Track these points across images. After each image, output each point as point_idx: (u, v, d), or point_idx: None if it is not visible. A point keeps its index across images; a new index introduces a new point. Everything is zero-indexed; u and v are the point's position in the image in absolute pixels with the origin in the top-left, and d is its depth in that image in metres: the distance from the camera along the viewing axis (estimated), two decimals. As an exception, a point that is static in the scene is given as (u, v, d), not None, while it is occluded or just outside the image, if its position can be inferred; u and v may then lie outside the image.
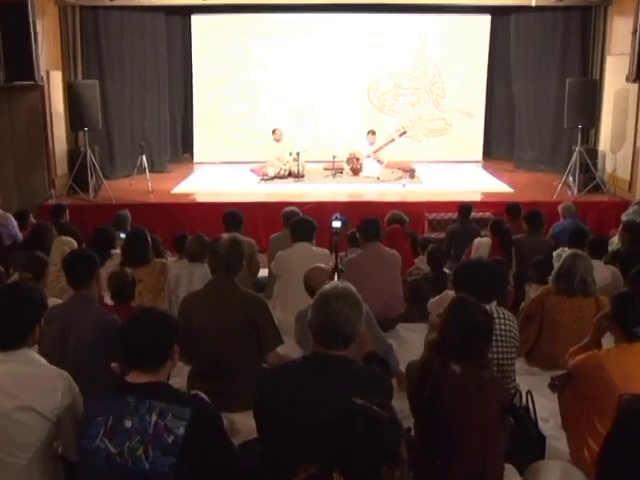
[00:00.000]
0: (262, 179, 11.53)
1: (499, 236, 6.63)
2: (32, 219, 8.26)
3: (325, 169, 12.03)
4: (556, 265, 4.82)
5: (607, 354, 3.37)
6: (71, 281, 3.91)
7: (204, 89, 13.51)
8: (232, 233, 4.30)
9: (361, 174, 11.65)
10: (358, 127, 12.89)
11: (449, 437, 2.87)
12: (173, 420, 2.52)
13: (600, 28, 11.41)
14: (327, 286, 2.79)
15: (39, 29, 9.23)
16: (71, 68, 11.12)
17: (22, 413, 2.75)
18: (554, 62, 12.19)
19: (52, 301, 4.09)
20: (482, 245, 6.75)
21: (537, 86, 12.52)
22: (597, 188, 10.49)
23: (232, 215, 6.64)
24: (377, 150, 11.66)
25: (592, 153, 10.78)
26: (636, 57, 9.13)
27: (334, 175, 11.58)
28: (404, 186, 10.73)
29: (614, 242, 6.94)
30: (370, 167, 11.60)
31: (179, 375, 4.02)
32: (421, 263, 6.78)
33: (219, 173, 12.42)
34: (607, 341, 3.63)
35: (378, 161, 11.66)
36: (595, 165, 10.70)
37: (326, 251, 5.82)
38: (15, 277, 5.30)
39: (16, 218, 7.99)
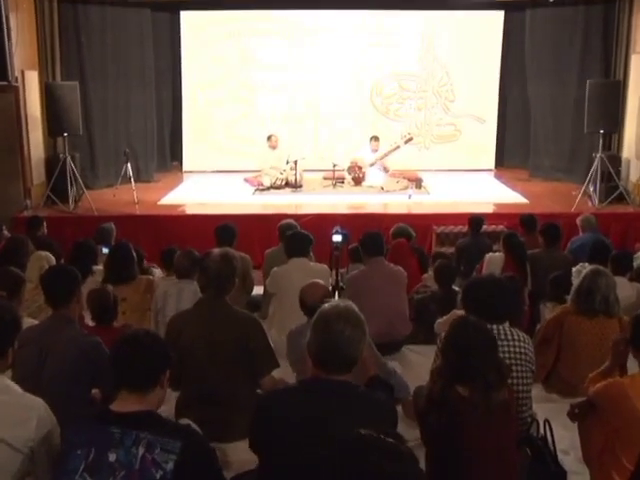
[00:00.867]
0: (257, 189, 11.55)
1: (513, 251, 6.62)
2: (6, 232, 8.21)
3: (325, 178, 12.04)
4: (575, 282, 4.81)
5: (631, 381, 3.33)
6: (49, 300, 3.90)
7: (194, 92, 13.56)
8: (224, 248, 4.31)
9: (363, 184, 11.66)
10: (360, 133, 12.93)
11: (460, 469, 2.86)
12: (162, 454, 2.49)
13: (624, 24, 11.39)
14: (327, 305, 2.79)
15: (12, 25, 9.25)
16: (49, 68, 11.06)
17: (-9, 446, 2.71)
18: (573, 62, 12.20)
19: (28, 322, 4.08)
20: (494, 261, 6.75)
21: (555, 88, 12.55)
22: (620, 198, 10.48)
23: (224, 228, 6.63)
24: (381, 158, 11.68)
25: (615, 160, 10.78)
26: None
27: (334, 185, 11.60)
28: (410, 197, 10.74)
29: (639, 257, 6.94)
30: (373, 176, 11.62)
31: (166, 402, 4.01)
32: (428, 280, 6.77)
33: (210, 183, 12.44)
34: (634, 365, 3.61)
35: (382, 170, 11.67)
36: (618, 173, 10.69)
37: (325, 267, 5.83)
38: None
39: (-12, 231, 7.97)
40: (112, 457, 2.48)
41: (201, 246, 5.91)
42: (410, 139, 12.09)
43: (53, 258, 6.18)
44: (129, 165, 10.99)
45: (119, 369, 2.66)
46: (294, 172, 11.35)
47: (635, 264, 6.47)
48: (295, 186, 11.38)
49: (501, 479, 2.90)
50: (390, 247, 6.93)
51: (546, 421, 3.54)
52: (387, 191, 11.27)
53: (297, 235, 6.02)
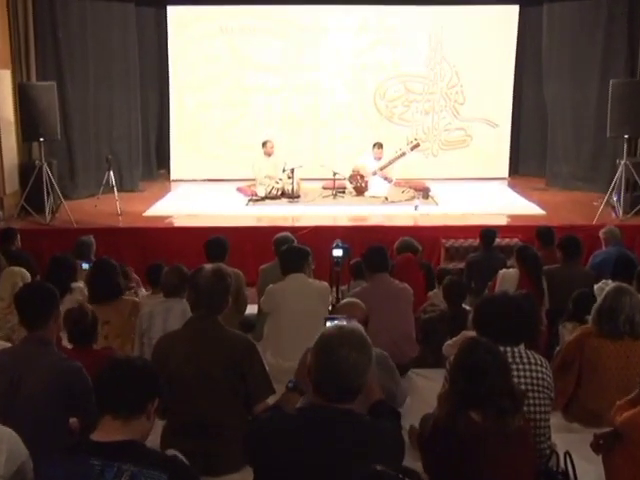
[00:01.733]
0: (250, 200, 11.56)
1: (528, 266, 6.62)
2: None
3: (324, 188, 12.05)
4: (597, 301, 4.80)
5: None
6: (24, 320, 3.88)
7: (183, 94, 13.60)
8: (215, 263, 4.31)
9: (366, 194, 11.68)
10: (362, 139, 12.95)
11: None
12: (147, 487, 2.48)
13: (651, 18, 11.39)
14: (330, 327, 2.79)
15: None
16: (23, 67, 11.08)
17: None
18: (595, 60, 12.19)
19: (-1, 345, 4.07)
20: (508, 277, 6.74)
21: (574, 89, 12.57)
22: (647, 209, 10.51)
23: (215, 242, 6.64)
24: (385, 166, 11.69)
25: (640, 167, 10.80)
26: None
27: (334, 195, 11.62)
28: (416, 208, 10.75)
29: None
30: (377, 186, 11.64)
31: (152, 431, 3.99)
32: (436, 298, 6.77)
33: (200, 192, 12.45)
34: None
35: (386, 179, 11.68)
36: (645, 182, 10.71)
37: (325, 284, 5.82)
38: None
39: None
40: (92, 492, 2.47)
41: (190, 261, 5.90)
42: (416, 145, 12.10)
43: (28, 274, 6.17)
44: (112, 173, 11.00)
45: (104, 393, 2.66)
46: (291, 181, 11.36)
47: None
48: (292, 196, 11.39)
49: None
50: (395, 262, 6.92)
51: (567, 453, 3.52)
52: (392, 202, 11.28)
53: (292, 249, 6.02)
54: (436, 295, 6.86)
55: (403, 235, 7.99)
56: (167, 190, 12.82)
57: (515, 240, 9.27)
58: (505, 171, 13.82)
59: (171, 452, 2.93)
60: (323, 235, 8.95)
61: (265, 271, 6.73)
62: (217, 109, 13.59)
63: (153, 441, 3.79)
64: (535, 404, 3.65)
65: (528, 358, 3.73)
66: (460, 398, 3.01)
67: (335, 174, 11.59)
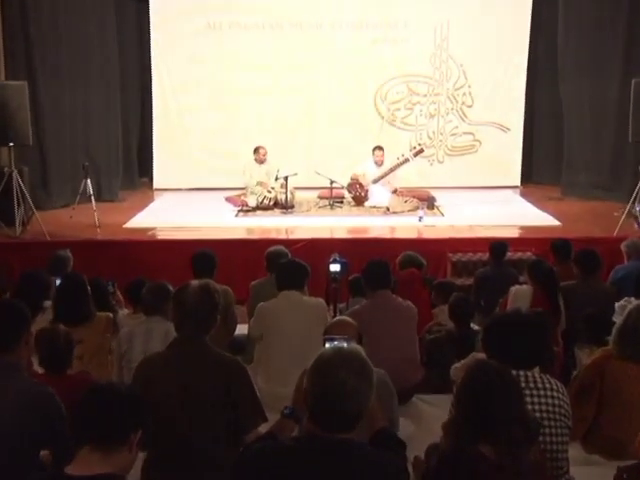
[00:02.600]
0: (240, 210, 11.58)
1: (542, 282, 6.61)
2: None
3: (320, 197, 12.07)
4: (618, 321, 4.80)
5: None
6: (-8, 342, 3.86)
7: (166, 95, 13.64)
8: (202, 279, 4.29)
9: (366, 204, 11.70)
10: (362, 144, 12.93)
11: None
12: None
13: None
14: (327, 349, 2.78)
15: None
16: (-11, 65, 11.12)
17: None
18: (616, 57, 12.23)
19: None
20: (521, 294, 6.74)
21: (593, 89, 12.61)
22: (673, 220, 10.51)
23: (202, 257, 6.64)
24: (386, 173, 11.71)
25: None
26: None
27: (332, 205, 11.63)
28: (421, 219, 10.76)
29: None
30: (377, 195, 11.66)
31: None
32: (442, 317, 6.77)
33: (186, 203, 12.48)
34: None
35: (388, 187, 11.69)
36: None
37: (321, 302, 5.81)
38: None
39: None
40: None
41: (175, 277, 5.88)
42: (420, 151, 12.12)
43: (-3, 292, 6.16)
44: (89, 181, 10.95)
45: (82, 422, 2.66)
46: (284, 190, 11.37)
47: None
48: (286, 206, 11.40)
49: None
50: (397, 278, 6.92)
51: (587, 489, 3.51)
52: (394, 212, 11.29)
53: (292, 264, 6.01)
54: (442, 314, 6.85)
55: (406, 249, 8.01)
56: (149, 200, 12.82)
57: (528, 254, 9.27)
58: (517, 179, 13.86)
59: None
60: (319, 249, 8.95)
61: (256, 288, 6.72)
62: (204, 112, 13.61)
63: (133, 475, 3.78)
64: (551, 434, 3.64)
65: (543, 383, 3.72)
66: (467, 427, 3.00)
67: (332, 182, 11.59)
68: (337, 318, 4.48)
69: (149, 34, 13.45)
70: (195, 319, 3.90)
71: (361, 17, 13.48)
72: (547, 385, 3.73)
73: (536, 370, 3.78)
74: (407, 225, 10.72)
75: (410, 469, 3.50)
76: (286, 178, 11.32)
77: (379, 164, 11.80)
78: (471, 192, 13.00)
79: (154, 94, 13.63)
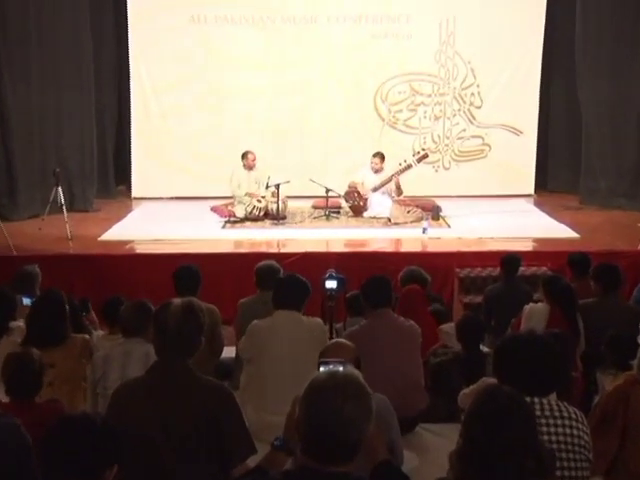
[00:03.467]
0: (227, 221, 11.58)
1: (559, 300, 6.62)
2: None
3: (315, 207, 12.09)
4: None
5: None
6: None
7: (146, 96, 13.65)
8: (186, 297, 4.29)
9: (365, 214, 11.72)
10: (361, 149, 12.99)
11: None
12: None
13: None
14: (321, 373, 2.77)
15: None
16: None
17: None
18: (638, 54, 12.29)
19: None
20: (535, 313, 6.74)
21: (614, 89, 12.66)
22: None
23: (186, 272, 6.63)
24: (387, 181, 11.71)
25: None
26: None
27: (327, 216, 11.65)
28: (425, 231, 10.77)
29: None
30: (377, 204, 11.67)
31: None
32: (449, 338, 6.76)
33: (167, 213, 12.47)
34: None
35: (389, 196, 11.70)
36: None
37: (319, 322, 5.81)
38: None
39: None
40: None
41: (156, 295, 5.88)
42: (425, 156, 12.14)
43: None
44: (60, 189, 10.95)
45: (51, 457, 2.64)
46: (276, 199, 11.37)
47: None
48: (277, 217, 11.40)
49: None
50: (400, 296, 6.93)
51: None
52: (395, 223, 11.30)
53: (292, 280, 5.99)
54: (449, 335, 6.85)
55: (409, 263, 8.01)
56: (127, 210, 12.83)
57: (543, 269, 9.29)
58: (531, 187, 13.89)
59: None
60: (314, 263, 8.95)
61: (245, 306, 6.71)
62: (187, 114, 13.62)
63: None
64: (569, 467, 3.62)
65: (560, 411, 3.71)
66: (476, 458, 2.99)
67: (328, 191, 11.61)
68: (333, 341, 4.47)
69: (127, 29, 13.45)
70: (178, 341, 3.88)
71: (360, 10, 13.50)
72: (565, 414, 3.72)
73: (552, 397, 3.77)
74: (410, 237, 10.74)
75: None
76: (277, 186, 11.31)
77: (379, 172, 11.80)
78: (480, 201, 13.02)
79: (132, 94, 13.64)
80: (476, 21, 13.48)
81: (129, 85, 13.63)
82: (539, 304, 6.88)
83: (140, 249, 10.43)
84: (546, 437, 3.53)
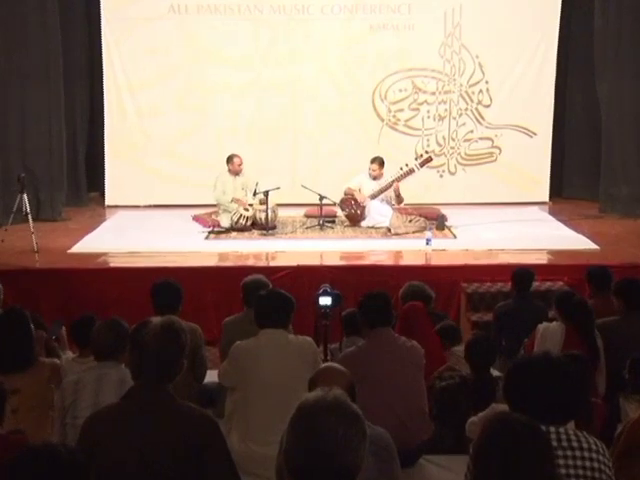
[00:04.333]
0: (211, 232, 11.58)
1: (575, 319, 6.63)
2: None
3: (307, 216, 12.11)
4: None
5: None
6: None
7: (121, 94, 13.65)
8: (165, 316, 4.28)
9: (362, 224, 11.74)
10: (358, 152, 13.02)
11: None
12: None
13: None
14: (309, 396, 2.77)
15: None
16: None
17: None
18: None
19: None
20: (551, 333, 6.74)
21: (636, 86, 12.69)
22: None
23: (165, 288, 6.63)
24: (387, 187, 11.72)
25: None
26: None
27: (322, 226, 11.65)
28: (429, 242, 10.75)
29: None
30: (376, 213, 11.67)
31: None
32: (456, 360, 6.77)
33: (145, 222, 12.46)
34: None
35: (389, 204, 11.71)
36: None
37: (310, 341, 5.79)
38: None
39: None
40: None
41: (132, 313, 5.87)
42: (428, 160, 12.13)
43: None
44: (25, 197, 10.94)
45: None
46: (264, 207, 11.38)
47: None
48: (266, 227, 11.40)
49: None
50: (400, 313, 6.93)
51: None
52: (396, 234, 11.31)
53: (273, 296, 5.98)
54: (456, 357, 6.85)
55: (411, 278, 8.00)
56: (100, 219, 12.81)
57: (559, 284, 9.31)
58: (545, 193, 13.93)
59: None
60: (307, 278, 8.98)
61: (230, 325, 6.72)
62: (167, 113, 13.64)
63: None
64: (589, 503, 3.63)
65: (579, 442, 3.71)
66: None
67: (322, 198, 11.62)
68: (323, 366, 4.45)
69: (99, 21, 13.46)
70: (156, 364, 3.88)
71: (357, 0, 13.54)
72: (584, 444, 3.71)
73: (570, 425, 3.77)
74: (412, 249, 10.71)
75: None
76: (266, 193, 11.31)
77: (378, 178, 11.81)
78: (489, 209, 13.05)
79: (106, 92, 13.63)
80: (485, 11, 13.53)
81: (102, 81, 13.61)
82: (554, 323, 6.89)
83: (114, 263, 10.41)
84: (564, 470, 3.53)
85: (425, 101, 13.85)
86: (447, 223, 11.81)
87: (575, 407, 3.92)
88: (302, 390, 3.67)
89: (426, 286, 7.64)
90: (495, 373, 6.22)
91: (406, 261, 10.35)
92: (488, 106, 13.84)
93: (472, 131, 13.89)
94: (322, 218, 11.70)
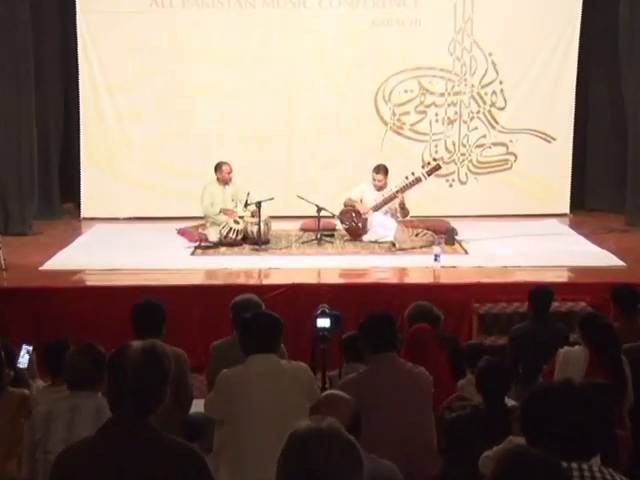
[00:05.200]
0: (198, 247, 11.59)
1: (600, 343, 6.63)
2: None
3: (304, 230, 12.13)
4: None
5: None
6: None
7: (98, 96, 13.66)
8: (147, 340, 4.28)
9: (364, 238, 11.76)
10: (359, 160, 13.05)
11: None
12: None
13: None
14: (300, 425, 2.78)
15: None
16: None
17: None
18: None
19: None
20: (572, 358, 6.75)
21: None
22: None
23: (147, 309, 6.61)
24: (391, 199, 11.74)
25: None
26: None
27: (319, 240, 11.67)
28: (437, 258, 10.77)
29: None
30: (379, 226, 11.69)
31: None
32: (467, 389, 6.77)
33: (124, 236, 12.46)
34: None
35: (393, 216, 11.72)
36: None
37: (304, 367, 5.79)
38: None
39: None
40: None
41: (110, 337, 5.88)
42: (436, 168, 12.16)
43: None
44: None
45: None
46: (256, 220, 11.39)
47: None
48: (258, 241, 11.41)
49: None
50: (406, 337, 6.93)
51: None
52: (401, 249, 11.33)
53: (260, 319, 5.99)
54: (467, 384, 6.85)
55: (418, 298, 8.01)
56: (76, 233, 12.81)
57: (581, 304, 9.31)
58: (565, 205, 13.95)
59: None
60: (303, 298, 9.00)
61: (219, 350, 6.73)
62: (149, 117, 13.66)
63: None
64: None
65: (603, 477, 3.71)
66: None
67: (320, 209, 11.62)
68: (327, 393, 4.45)
69: (74, 15, 13.47)
70: (137, 393, 3.87)
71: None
72: (609, 480, 3.72)
73: (595, 461, 3.76)
74: (419, 266, 10.73)
75: None
76: (259, 204, 11.33)
77: (381, 188, 11.82)
78: (504, 222, 13.08)
79: (82, 93, 13.64)
80: (499, 4, 13.61)
81: (77, 81, 13.62)
82: (576, 347, 6.89)
83: (91, 281, 10.43)
84: (588, 512, 3.52)
85: (433, 103, 13.88)
86: (457, 237, 11.82)
87: (600, 441, 3.91)
88: (294, 420, 3.66)
89: (434, 306, 7.64)
90: (511, 403, 6.20)
91: (412, 279, 10.36)
92: (502, 108, 13.86)
93: (485, 136, 13.92)
94: (320, 232, 11.72)
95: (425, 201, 12.47)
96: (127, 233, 12.67)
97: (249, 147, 13.49)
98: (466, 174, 13.94)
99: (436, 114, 13.90)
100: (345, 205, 11.87)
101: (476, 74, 13.79)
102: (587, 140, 14.10)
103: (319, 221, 11.69)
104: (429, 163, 12.23)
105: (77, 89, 13.65)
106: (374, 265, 10.92)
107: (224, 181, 11.91)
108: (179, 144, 13.60)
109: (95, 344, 5.50)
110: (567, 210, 13.90)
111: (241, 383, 5.60)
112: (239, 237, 11.57)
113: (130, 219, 13.41)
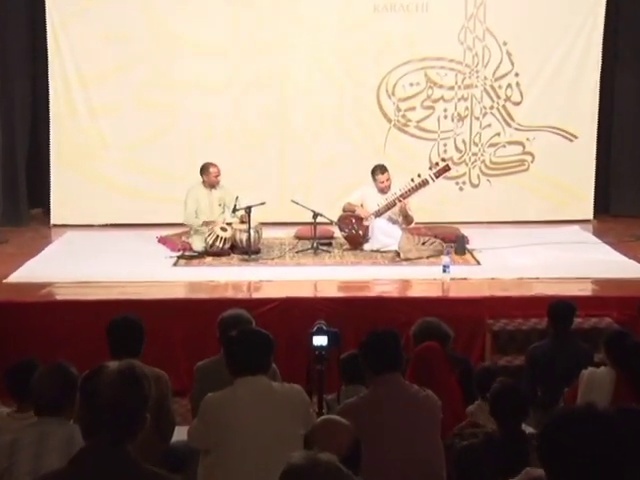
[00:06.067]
0: (181, 256, 11.61)
1: (627, 363, 6.63)
2: None
3: (299, 238, 12.15)
4: None
5: None
6: None
7: (70, 90, 13.68)
8: (124, 360, 4.27)
9: (365, 247, 11.78)
10: (359, 160, 13.07)
11: None
12: None
13: None
14: (295, 457, 2.77)
15: None
16: None
17: None
18: None
19: None
20: (597, 381, 6.75)
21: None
22: None
23: (124, 326, 6.61)
24: (394, 203, 11.74)
25: None
26: None
27: (316, 249, 11.69)
28: (446, 270, 10.78)
29: None
30: (382, 234, 11.70)
31: None
32: (480, 414, 6.76)
33: (99, 245, 12.47)
34: None
35: (397, 223, 11.73)
36: None
37: (298, 389, 5.78)
38: None
39: None
40: None
41: (83, 357, 5.87)
42: (445, 169, 12.16)
43: None
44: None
45: None
46: (246, 227, 11.40)
47: None
48: (248, 251, 11.42)
49: None
50: (412, 357, 6.93)
51: None
52: (406, 259, 11.35)
53: (250, 337, 5.99)
54: (480, 410, 6.85)
55: (425, 314, 8.04)
56: (45, 242, 12.82)
57: (607, 321, 9.32)
58: (589, 210, 13.99)
59: None
60: (297, 313, 9.01)
61: (204, 371, 6.73)
62: (127, 114, 13.67)
63: None
64: None
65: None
66: None
67: (316, 215, 11.65)
68: (323, 418, 4.44)
69: (44, 1, 13.48)
70: (113, 419, 3.87)
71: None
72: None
73: (622, 497, 3.77)
74: (426, 278, 10.76)
75: None
76: (248, 209, 11.33)
77: (384, 192, 11.83)
78: (520, 229, 13.12)
79: (51, 88, 13.65)
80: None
81: (47, 74, 13.64)
82: (602, 369, 6.89)
83: (62, 295, 10.42)
84: None
85: (441, 98, 13.92)
86: (468, 246, 11.86)
87: (627, 472, 3.91)
88: (291, 450, 3.65)
89: (443, 323, 7.64)
90: (528, 430, 6.20)
91: (419, 292, 10.37)
92: (518, 103, 13.90)
93: (499, 134, 13.96)
94: (316, 240, 11.74)
95: (433, 206, 12.49)
96: (102, 242, 12.68)
97: (238, 147, 13.52)
98: (478, 176, 13.96)
99: (445, 110, 13.93)
100: (344, 210, 11.88)
101: (489, 65, 13.83)
102: (612, 139, 14.13)
103: (315, 228, 11.70)
104: (437, 164, 12.21)
105: (46, 83, 13.66)
106: (376, 277, 10.92)
107: (211, 184, 11.93)
108: (160, 143, 13.63)
109: (66, 365, 5.49)
110: (590, 216, 13.94)
111: (228, 408, 5.59)
112: (227, 246, 11.57)
113: (105, 226, 13.43)
